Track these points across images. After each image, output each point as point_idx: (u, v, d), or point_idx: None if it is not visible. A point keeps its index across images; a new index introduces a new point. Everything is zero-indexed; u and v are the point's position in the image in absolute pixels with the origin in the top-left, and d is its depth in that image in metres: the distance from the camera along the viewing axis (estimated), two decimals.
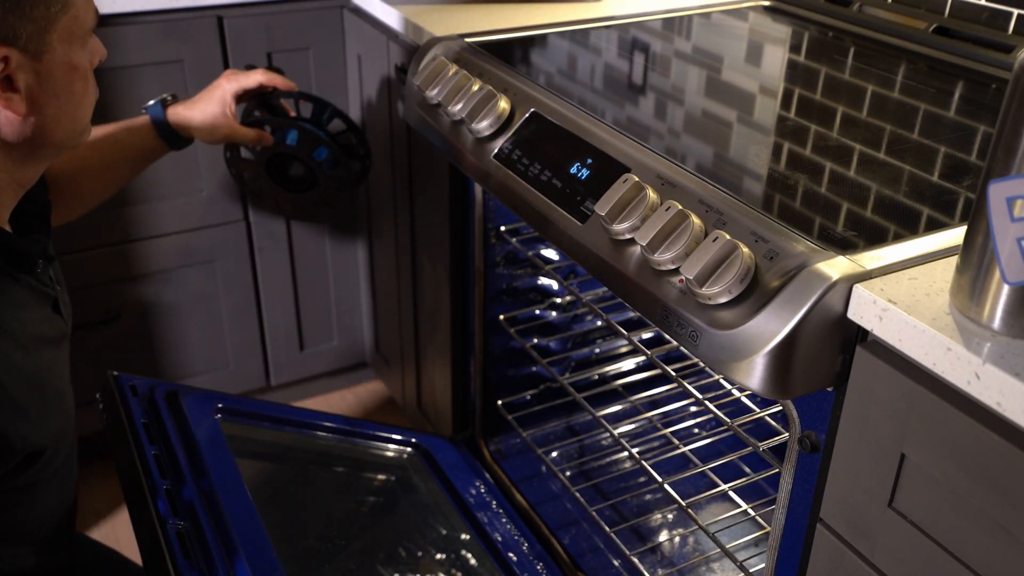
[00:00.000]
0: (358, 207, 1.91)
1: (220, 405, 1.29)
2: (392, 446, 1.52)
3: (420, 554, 1.37)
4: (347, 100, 1.80)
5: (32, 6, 0.84)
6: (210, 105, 1.32)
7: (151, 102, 1.29)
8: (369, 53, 1.66)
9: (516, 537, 1.39)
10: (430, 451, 1.52)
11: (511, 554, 1.35)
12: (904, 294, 0.72)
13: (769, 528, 0.95)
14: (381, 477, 1.49)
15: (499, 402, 1.59)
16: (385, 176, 1.72)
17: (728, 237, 0.79)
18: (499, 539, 1.38)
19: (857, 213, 0.88)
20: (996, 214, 0.64)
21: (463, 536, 1.39)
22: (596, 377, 1.62)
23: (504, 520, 1.42)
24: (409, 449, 1.53)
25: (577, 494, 1.40)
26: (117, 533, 1.77)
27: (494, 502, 1.45)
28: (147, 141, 1.29)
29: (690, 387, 1.20)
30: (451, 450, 1.55)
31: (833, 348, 0.77)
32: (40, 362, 0.94)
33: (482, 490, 1.48)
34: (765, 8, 1.54)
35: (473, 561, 1.36)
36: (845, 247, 0.78)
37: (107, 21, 1.54)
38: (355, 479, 1.48)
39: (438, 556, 1.37)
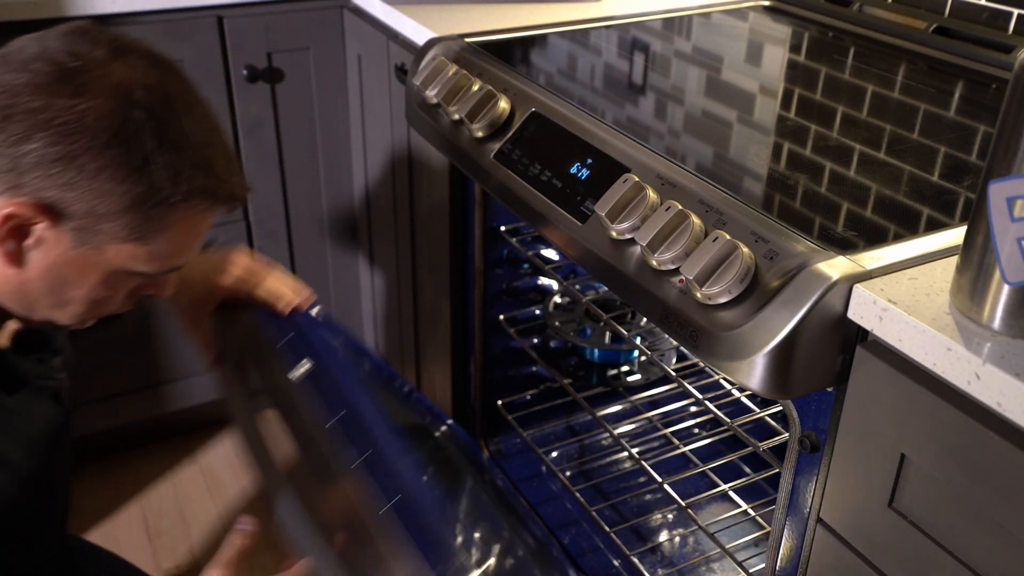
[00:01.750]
0: (358, 207, 1.91)
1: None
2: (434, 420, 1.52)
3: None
4: (347, 100, 1.81)
5: (109, 212, 0.74)
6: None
7: None
8: (369, 53, 1.66)
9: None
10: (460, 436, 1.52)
11: (535, 529, 1.36)
12: (904, 294, 0.72)
13: (769, 528, 0.95)
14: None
15: (499, 402, 1.59)
16: (385, 176, 1.72)
17: (728, 237, 0.79)
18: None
19: (857, 213, 0.88)
20: (996, 214, 0.64)
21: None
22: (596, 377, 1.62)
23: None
24: (444, 427, 1.52)
25: (577, 494, 1.40)
26: (117, 533, 1.78)
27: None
28: None
29: (690, 387, 1.20)
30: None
31: (833, 348, 0.77)
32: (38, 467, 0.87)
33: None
34: (765, 8, 1.54)
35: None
36: (845, 247, 0.78)
37: (107, 21, 1.54)
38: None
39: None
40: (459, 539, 0.93)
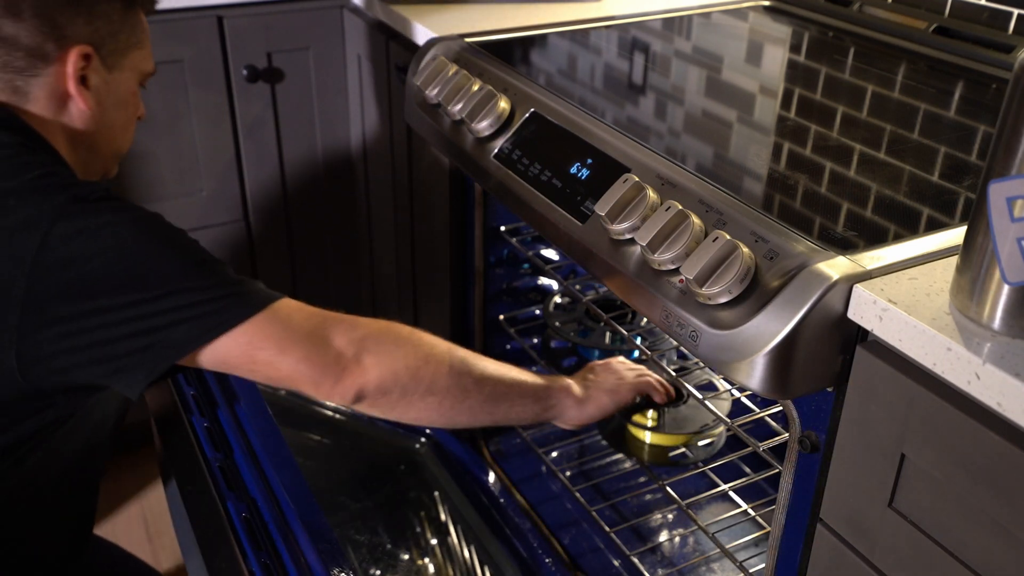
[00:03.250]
0: (358, 207, 1.91)
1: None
2: (406, 433, 1.52)
3: (418, 538, 1.38)
4: (347, 100, 1.81)
5: (120, 28, 0.98)
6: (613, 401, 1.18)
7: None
8: (369, 53, 1.67)
9: (524, 530, 1.40)
10: (441, 444, 1.53)
11: (520, 545, 1.36)
12: (904, 294, 0.72)
13: (769, 528, 0.95)
14: (394, 461, 1.50)
15: None
16: (385, 176, 1.72)
17: (728, 237, 0.79)
18: (508, 530, 1.38)
19: (857, 213, 0.88)
20: (996, 214, 0.64)
21: (472, 523, 1.40)
22: None
23: (512, 513, 1.42)
24: (423, 439, 1.53)
25: (577, 494, 1.40)
26: (117, 533, 1.78)
27: (502, 498, 1.46)
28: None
29: (690, 387, 1.20)
30: (459, 445, 1.55)
31: (833, 348, 0.77)
32: None
33: (490, 483, 1.48)
34: (765, 8, 1.54)
35: (484, 548, 1.36)
36: (845, 247, 0.78)
37: None
38: (369, 458, 1.49)
39: (446, 539, 1.38)
40: None
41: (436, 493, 1.46)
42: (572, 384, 1.14)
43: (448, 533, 1.41)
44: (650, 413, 1.31)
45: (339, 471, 1.43)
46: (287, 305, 0.92)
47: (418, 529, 1.42)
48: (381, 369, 0.92)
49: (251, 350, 0.88)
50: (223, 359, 0.89)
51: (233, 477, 0.99)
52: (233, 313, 0.88)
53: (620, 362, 1.22)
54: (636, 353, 1.50)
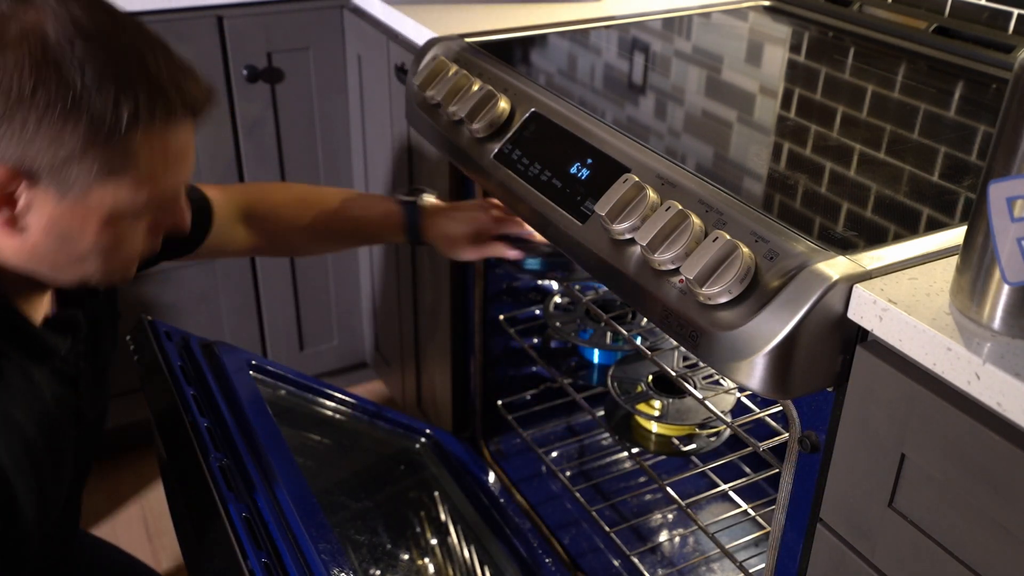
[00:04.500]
0: None
1: (253, 362, 1.28)
2: (406, 433, 1.53)
3: (418, 537, 1.38)
4: (347, 100, 1.81)
5: (79, 157, 0.74)
6: (464, 226, 1.25)
7: (408, 197, 1.27)
8: (369, 53, 1.67)
9: (524, 530, 1.40)
10: (441, 443, 1.53)
11: (520, 545, 1.36)
12: (904, 294, 0.72)
13: (769, 528, 0.95)
14: (395, 461, 1.50)
15: (499, 402, 1.59)
16: (385, 177, 1.72)
17: (728, 237, 0.79)
18: (508, 530, 1.38)
19: (857, 213, 0.88)
20: (996, 214, 0.64)
21: (472, 523, 1.40)
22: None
23: (512, 513, 1.43)
24: (423, 439, 1.53)
25: (577, 494, 1.40)
26: (117, 533, 1.78)
27: (502, 498, 1.46)
28: (392, 235, 1.28)
29: (689, 387, 1.20)
30: (459, 445, 1.55)
31: (833, 348, 0.77)
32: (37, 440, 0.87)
33: (490, 482, 1.48)
34: (765, 8, 1.54)
35: (484, 548, 1.36)
36: (845, 247, 0.78)
37: None
38: (370, 458, 1.49)
39: (446, 539, 1.38)
40: None
41: (436, 493, 1.46)
42: (395, 207, 1.28)
43: (448, 533, 1.41)
44: (656, 403, 1.31)
45: (339, 471, 1.43)
46: None
47: (418, 529, 1.42)
48: None
49: None
50: None
51: (233, 477, 0.99)
52: None
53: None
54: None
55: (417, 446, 1.53)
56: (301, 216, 1.24)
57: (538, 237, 1.24)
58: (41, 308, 0.88)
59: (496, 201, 1.28)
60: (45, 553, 0.97)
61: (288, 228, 1.24)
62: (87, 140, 0.74)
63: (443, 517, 1.42)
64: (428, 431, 1.54)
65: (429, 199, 1.28)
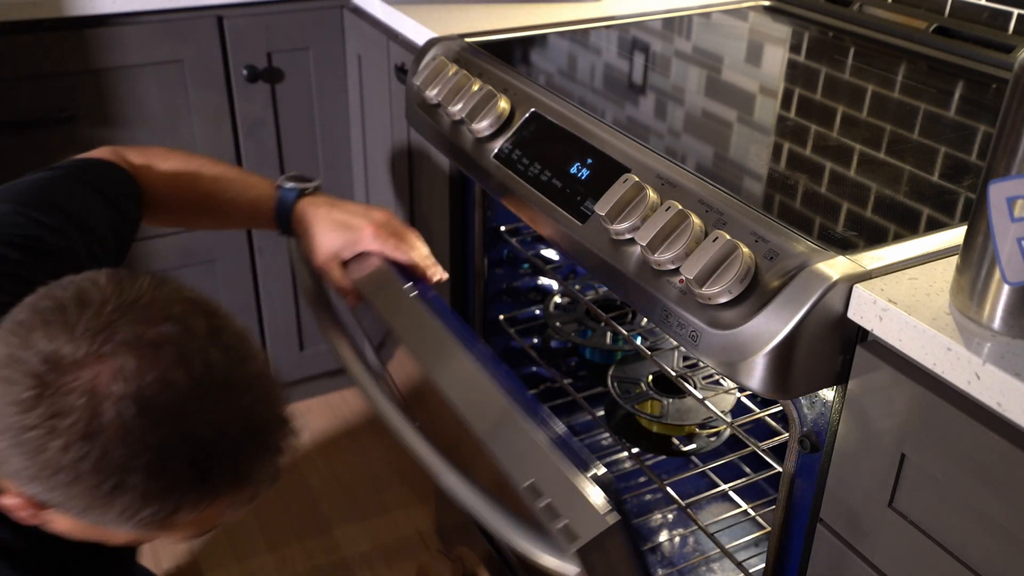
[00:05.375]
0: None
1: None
2: None
3: None
4: (347, 100, 1.81)
5: (93, 507, 0.68)
6: (335, 233, 1.07)
7: (289, 184, 1.12)
8: (369, 53, 1.67)
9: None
10: None
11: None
12: (904, 294, 0.72)
13: (769, 528, 0.95)
14: None
15: None
16: (385, 176, 1.72)
17: (728, 237, 0.79)
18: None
19: (857, 213, 0.88)
20: (996, 214, 0.64)
21: None
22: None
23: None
24: None
25: None
26: None
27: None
28: (265, 223, 1.14)
29: (689, 387, 1.20)
30: None
31: (833, 348, 0.77)
32: None
33: None
34: (765, 8, 1.54)
35: None
36: (845, 247, 0.78)
37: (107, 21, 1.54)
38: None
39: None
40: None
41: None
42: (270, 189, 1.13)
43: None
44: (656, 403, 1.32)
45: None
46: None
47: None
48: None
49: None
50: None
51: None
52: None
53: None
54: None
55: None
56: (174, 195, 1.11)
57: (431, 274, 1.09)
58: None
59: (391, 219, 1.10)
60: None
61: (162, 208, 1.10)
62: (120, 517, 0.68)
63: None
64: None
65: (314, 185, 1.14)
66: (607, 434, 1.61)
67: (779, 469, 0.91)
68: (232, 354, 0.70)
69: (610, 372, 1.39)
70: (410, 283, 1.05)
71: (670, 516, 1.49)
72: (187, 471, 0.67)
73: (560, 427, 0.86)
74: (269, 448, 0.71)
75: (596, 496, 0.78)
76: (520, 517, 0.82)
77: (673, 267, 0.83)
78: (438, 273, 1.09)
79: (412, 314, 1.02)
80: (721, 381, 1.34)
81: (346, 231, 1.07)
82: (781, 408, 0.97)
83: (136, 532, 0.70)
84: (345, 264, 1.08)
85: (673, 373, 1.23)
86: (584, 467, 0.81)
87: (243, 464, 0.70)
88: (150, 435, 0.65)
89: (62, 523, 0.73)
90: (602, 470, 0.81)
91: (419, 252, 1.08)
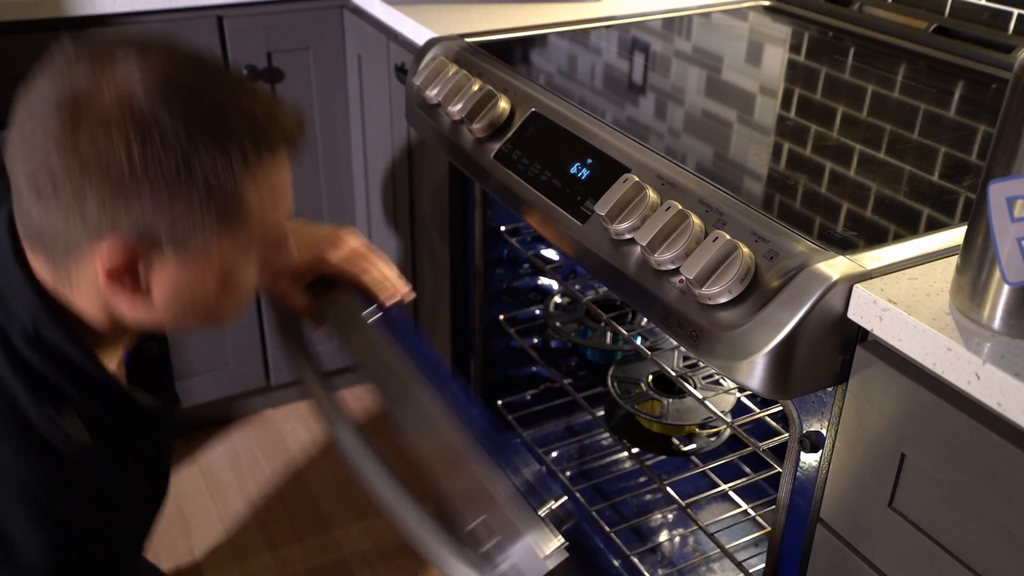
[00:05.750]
0: (358, 207, 1.91)
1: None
2: None
3: None
4: (347, 100, 1.81)
5: (185, 210, 0.73)
6: (302, 255, 0.99)
7: None
8: (369, 53, 1.67)
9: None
10: None
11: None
12: (904, 294, 0.72)
13: (769, 528, 0.95)
14: None
15: (499, 402, 1.59)
16: (385, 176, 1.72)
17: (728, 237, 0.79)
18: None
19: (857, 213, 0.88)
20: (996, 214, 0.64)
21: None
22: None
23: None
24: None
25: (577, 494, 1.40)
26: None
27: None
28: None
29: (689, 387, 1.20)
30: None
31: (833, 348, 0.77)
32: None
33: None
34: (765, 8, 1.54)
35: None
36: (845, 247, 0.78)
37: (107, 21, 1.54)
38: None
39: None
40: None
41: None
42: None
43: None
44: (656, 404, 1.32)
45: None
46: None
47: None
48: None
49: None
50: None
51: None
52: None
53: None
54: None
55: None
56: None
57: (393, 296, 1.04)
58: (116, 357, 0.88)
59: (356, 239, 1.05)
60: None
61: None
62: (203, 198, 0.73)
63: None
64: None
65: None
66: (607, 434, 1.61)
67: (779, 469, 0.91)
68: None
69: (610, 372, 1.39)
70: (373, 307, 1.03)
71: (670, 516, 1.49)
72: (232, 115, 0.74)
73: (524, 459, 0.88)
74: (277, 100, 0.79)
75: (541, 538, 0.79)
76: (470, 557, 0.83)
77: (673, 267, 0.83)
78: (401, 294, 1.05)
79: (373, 344, 1.02)
80: (721, 381, 1.34)
81: (309, 250, 1.02)
82: (781, 408, 0.97)
83: (217, 228, 0.75)
84: (310, 286, 1.04)
85: (673, 373, 1.23)
86: (539, 502, 0.83)
87: (269, 106, 0.77)
88: (186, 107, 0.72)
89: (163, 278, 0.76)
90: (558, 502, 0.83)
91: (382, 272, 1.04)
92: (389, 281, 1.04)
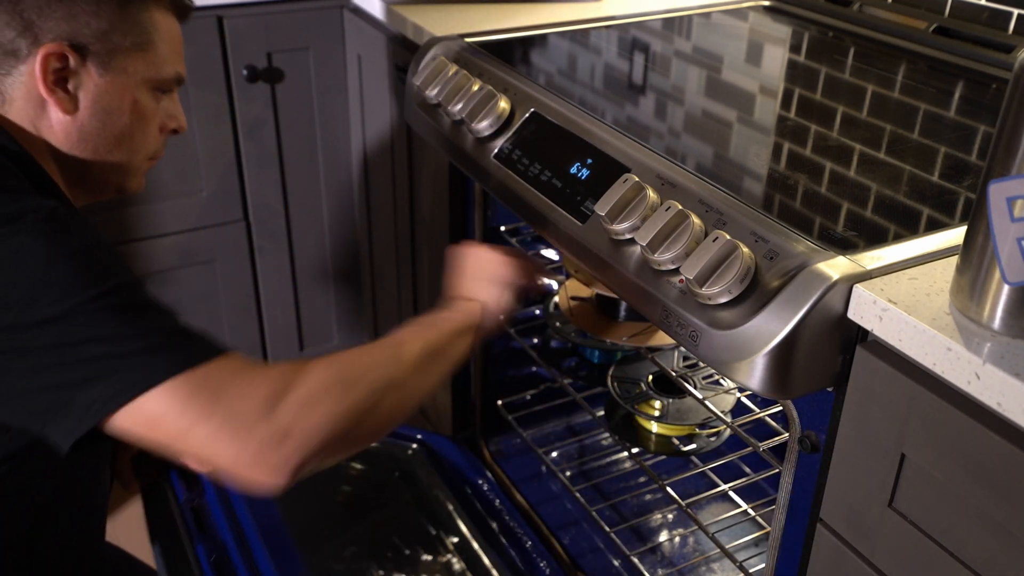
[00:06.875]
0: (358, 207, 1.91)
1: None
2: (397, 441, 1.52)
3: (418, 549, 1.38)
4: (347, 100, 1.81)
5: (113, 27, 0.89)
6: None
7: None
8: (369, 53, 1.66)
9: (519, 534, 1.39)
10: (434, 449, 1.52)
11: (513, 551, 1.35)
12: (904, 294, 0.72)
13: (769, 528, 0.95)
14: (385, 470, 1.49)
15: (499, 402, 1.59)
16: (385, 177, 1.72)
17: (728, 237, 0.79)
18: (502, 536, 1.38)
19: (857, 213, 0.88)
20: (996, 214, 0.64)
21: (465, 531, 1.39)
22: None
23: (507, 517, 1.42)
24: (414, 445, 1.53)
25: (577, 494, 1.40)
26: (117, 533, 1.77)
27: (497, 500, 1.45)
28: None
29: (689, 387, 1.20)
30: (454, 448, 1.55)
31: (833, 348, 0.77)
32: None
33: (485, 488, 1.48)
34: (765, 8, 1.54)
35: (475, 556, 1.36)
36: (845, 247, 0.78)
37: None
38: (358, 470, 1.48)
39: (438, 551, 1.38)
40: None
41: (432, 496, 1.46)
42: (473, 303, 1.06)
43: (439, 546, 1.40)
44: (656, 403, 1.32)
45: (335, 492, 1.43)
46: (227, 363, 0.77)
47: (406, 551, 1.40)
48: (320, 432, 0.78)
49: (166, 419, 0.74)
50: (141, 421, 0.75)
51: (205, 519, 0.99)
52: (160, 367, 0.74)
53: (481, 255, 1.12)
54: None
55: (409, 452, 1.52)
56: None
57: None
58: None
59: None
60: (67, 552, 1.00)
61: None
62: (120, 9, 0.89)
63: (432, 531, 1.40)
64: (419, 437, 1.53)
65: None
66: (607, 434, 1.61)
67: (779, 469, 0.91)
68: None
69: (610, 372, 1.39)
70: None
71: (670, 516, 1.49)
72: None
73: None
74: None
75: None
76: None
77: (673, 267, 0.83)
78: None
79: None
80: (721, 381, 1.34)
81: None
82: (781, 408, 0.97)
83: (133, 43, 0.91)
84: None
85: (673, 373, 1.23)
86: None
87: None
88: None
89: (88, 90, 0.90)
90: None
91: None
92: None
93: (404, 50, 1.50)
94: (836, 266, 0.75)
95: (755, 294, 0.77)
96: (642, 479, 1.54)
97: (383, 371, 0.87)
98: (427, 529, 1.40)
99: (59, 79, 0.88)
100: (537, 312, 1.55)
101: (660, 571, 1.38)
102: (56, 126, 0.90)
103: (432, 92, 1.21)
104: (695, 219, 0.83)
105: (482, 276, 1.09)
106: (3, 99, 0.88)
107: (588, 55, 1.35)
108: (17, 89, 0.88)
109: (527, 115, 1.11)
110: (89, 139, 0.92)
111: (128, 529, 1.79)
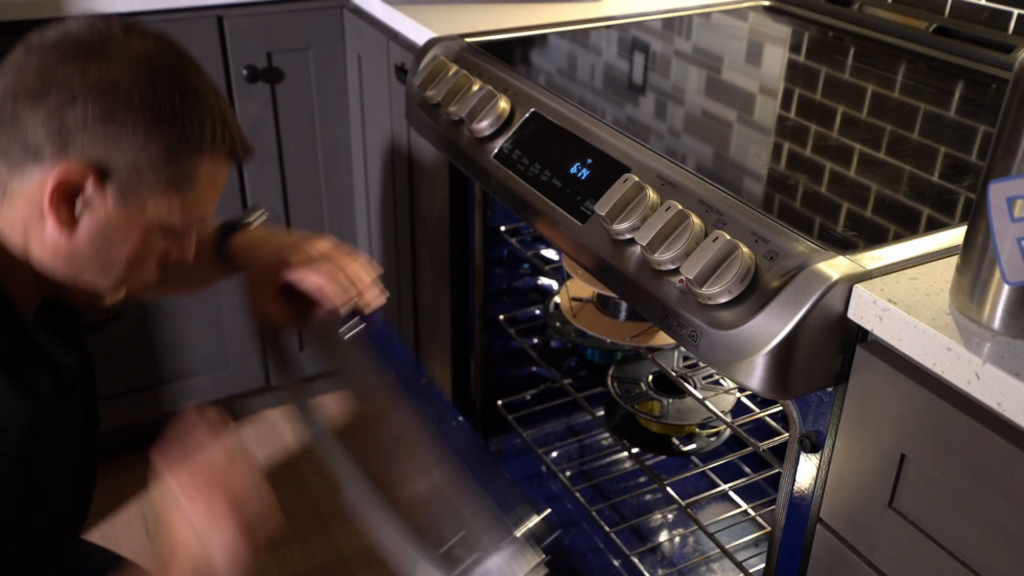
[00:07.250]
0: (358, 207, 1.91)
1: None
2: None
3: None
4: (347, 100, 1.81)
5: (150, 166, 0.79)
6: (274, 261, 1.05)
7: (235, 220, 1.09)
8: (369, 53, 1.66)
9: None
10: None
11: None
12: (904, 294, 0.72)
13: (769, 528, 0.95)
14: None
15: (499, 402, 1.59)
16: (385, 177, 1.72)
17: (728, 237, 0.79)
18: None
19: (857, 213, 0.88)
20: (996, 214, 0.64)
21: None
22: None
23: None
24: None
25: (577, 494, 1.40)
26: (117, 532, 1.78)
27: None
28: (208, 267, 1.10)
29: (689, 387, 1.20)
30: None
31: (833, 348, 0.77)
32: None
33: None
34: (765, 8, 1.54)
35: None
36: (845, 247, 0.78)
37: None
38: None
39: None
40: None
41: None
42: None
43: None
44: (656, 404, 1.32)
45: None
46: None
47: None
48: None
49: None
50: None
51: None
52: None
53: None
54: None
55: None
56: None
57: (347, 297, 1.00)
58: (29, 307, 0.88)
59: (323, 243, 1.03)
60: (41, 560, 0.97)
61: None
62: (169, 152, 0.80)
63: None
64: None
65: (259, 220, 1.10)
66: (607, 434, 1.61)
67: (779, 469, 0.91)
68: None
69: (610, 372, 1.39)
70: (353, 321, 1.03)
71: (670, 516, 1.49)
72: (212, 102, 0.84)
73: (502, 475, 0.89)
74: (229, 114, 0.86)
75: (520, 554, 0.80)
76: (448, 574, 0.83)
77: (673, 267, 0.83)
78: (367, 300, 1.02)
79: (349, 364, 1.05)
80: (721, 381, 1.34)
81: (273, 256, 1.04)
82: (781, 408, 0.97)
83: (166, 185, 0.81)
84: (287, 293, 1.04)
85: (673, 373, 1.23)
86: (521, 517, 0.83)
87: (233, 117, 0.87)
88: (195, 72, 0.84)
89: (95, 216, 0.80)
90: (540, 516, 0.84)
91: (349, 275, 1.01)
92: (355, 286, 1.02)
93: (404, 50, 1.50)
94: (836, 266, 0.75)
95: (755, 294, 0.77)
96: (642, 479, 1.54)
97: None
98: None
99: (68, 195, 0.78)
100: (537, 312, 1.55)
101: (660, 571, 1.38)
102: (47, 240, 0.80)
103: (432, 92, 1.21)
104: (695, 219, 0.83)
105: (201, 500, 0.85)
106: (4, 192, 0.80)
107: (588, 55, 1.35)
108: (22, 190, 0.79)
109: (527, 115, 1.11)
110: (75, 262, 0.82)
111: (128, 529, 1.79)
